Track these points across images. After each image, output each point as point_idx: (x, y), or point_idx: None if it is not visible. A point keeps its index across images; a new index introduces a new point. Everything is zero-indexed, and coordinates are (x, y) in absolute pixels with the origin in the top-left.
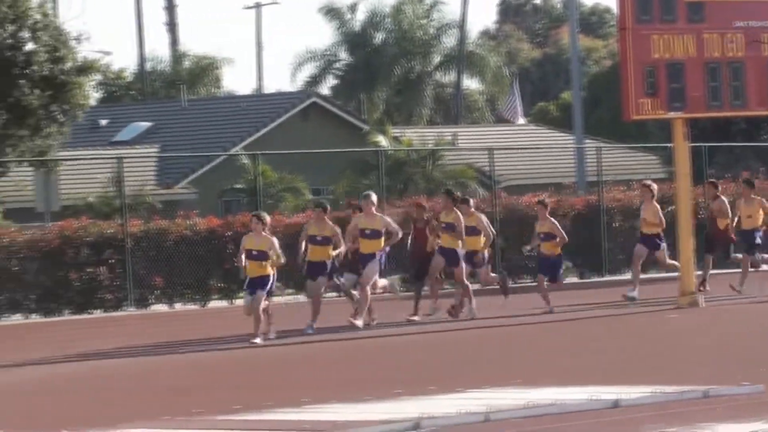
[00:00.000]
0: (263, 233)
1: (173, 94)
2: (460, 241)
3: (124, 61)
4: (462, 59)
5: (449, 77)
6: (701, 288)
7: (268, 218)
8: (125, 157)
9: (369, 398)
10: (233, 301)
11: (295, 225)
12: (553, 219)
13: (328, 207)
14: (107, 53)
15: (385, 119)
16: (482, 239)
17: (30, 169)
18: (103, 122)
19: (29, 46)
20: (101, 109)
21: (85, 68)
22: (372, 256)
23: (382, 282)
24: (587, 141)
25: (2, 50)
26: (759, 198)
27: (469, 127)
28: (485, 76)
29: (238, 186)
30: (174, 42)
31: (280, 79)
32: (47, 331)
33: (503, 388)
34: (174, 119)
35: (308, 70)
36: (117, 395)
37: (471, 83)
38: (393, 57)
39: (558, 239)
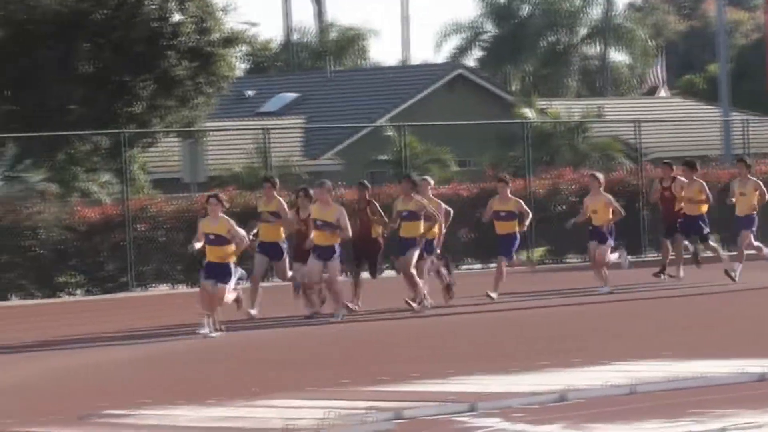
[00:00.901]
0: (220, 215)
1: (319, 65)
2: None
3: (270, 32)
4: (608, 32)
5: (595, 50)
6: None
7: (224, 198)
8: (271, 128)
9: (513, 370)
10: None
11: (439, 197)
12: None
13: (277, 181)
14: (254, 25)
15: (531, 91)
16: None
17: (177, 139)
18: (250, 93)
19: (176, 18)
20: (248, 80)
21: (232, 40)
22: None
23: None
24: (734, 114)
25: (150, 21)
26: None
27: (615, 99)
28: (631, 48)
29: (384, 158)
30: (320, 13)
31: (426, 51)
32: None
33: (647, 360)
34: (320, 90)
35: (454, 41)
36: (256, 366)
37: (617, 56)
38: (539, 29)
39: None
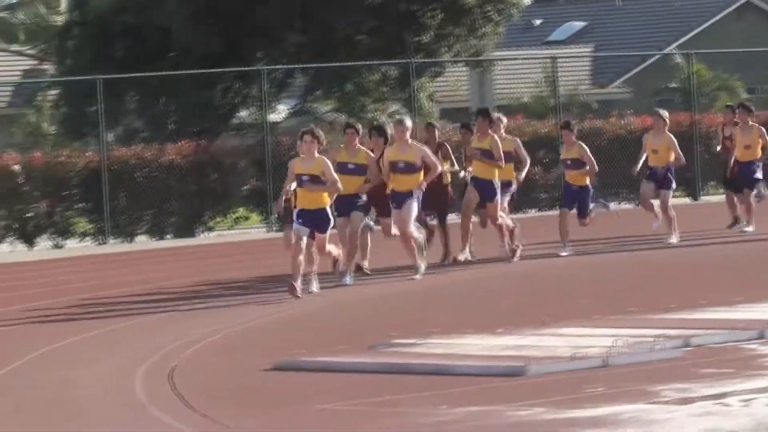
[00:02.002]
0: (317, 154)
1: None
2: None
3: None
4: None
5: None
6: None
7: (321, 135)
8: (559, 57)
9: None
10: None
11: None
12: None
13: (359, 127)
14: None
15: None
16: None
17: (465, 69)
18: (537, 22)
19: None
20: (535, 9)
21: None
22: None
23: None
24: None
25: None
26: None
27: None
28: None
29: (672, 86)
30: None
31: None
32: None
33: None
34: (608, 19)
35: None
36: (542, 296)
37: None
38: None
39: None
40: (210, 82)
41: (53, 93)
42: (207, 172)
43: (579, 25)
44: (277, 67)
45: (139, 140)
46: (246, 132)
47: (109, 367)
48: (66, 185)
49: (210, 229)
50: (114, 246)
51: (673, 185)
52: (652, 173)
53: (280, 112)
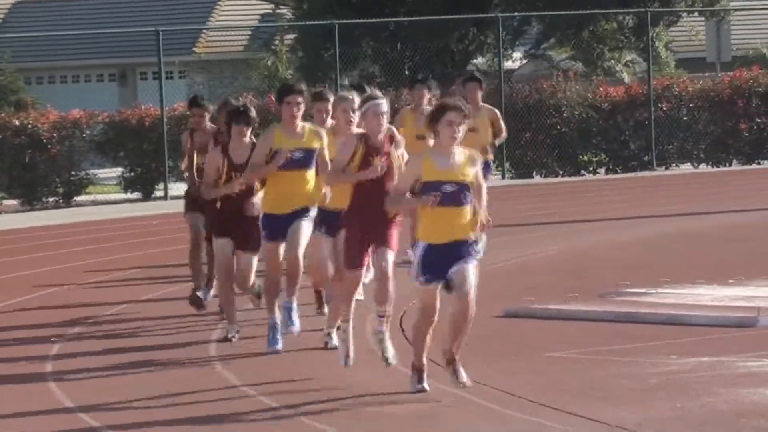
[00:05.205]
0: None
1: None
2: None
3: None
4: None
5: None
6: None
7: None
8: None
9: None
10: None
11: None
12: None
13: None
14: None
15: None
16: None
17: (701, 18)
18: None
19: None
20: None
21: None
22: None
23: None
24: None
25: None
26: None
27: None
28: None
29: None
30: None
31: None
32: (716, 181)
33: None
34: None
35: None
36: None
37: None
38: None
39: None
40: (446, 29)
41: (290, 37)
42: None
43: None
44: (513, 14)
45: (374, 86)
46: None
47: None
48: None
49: None
50: None
51: None
52: None
53: (515, 60)
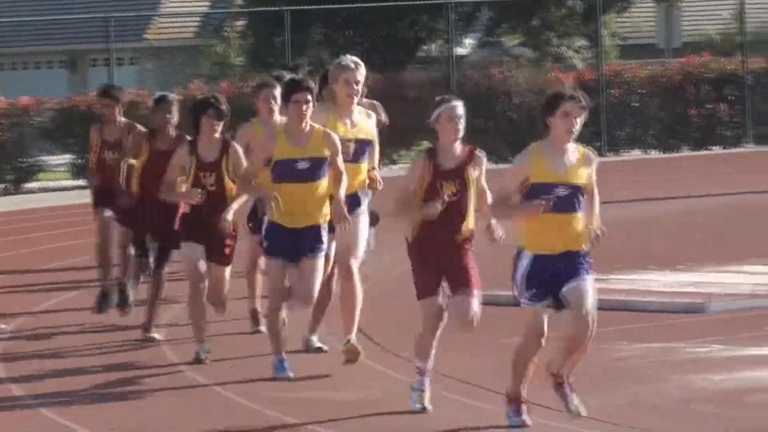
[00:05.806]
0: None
1: None
2: None
3: None
4: None
5: None
6: None
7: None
8: None
9: None
10: None
11: None
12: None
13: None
14: None
15: None
16: None
17: (651, 4)
18: None
19: None
20: None
21: None
22: None
23: None
24: None
25: None
26: None
27: None
28: None
29: None
30: None
31: None
32: (667, 167)
33: None
34: None
35: None
36: (725, 235)
37: None
38: None
39: None
40: (397, 15)
41: (240, 24)
42: (391, 105)
43: None
44: (464, 0)
45: (304, 74)
46: (431, 65)
47: None
48: None
49: (393, 162)
50: None
51: None
52: None
53: (466, 46)
